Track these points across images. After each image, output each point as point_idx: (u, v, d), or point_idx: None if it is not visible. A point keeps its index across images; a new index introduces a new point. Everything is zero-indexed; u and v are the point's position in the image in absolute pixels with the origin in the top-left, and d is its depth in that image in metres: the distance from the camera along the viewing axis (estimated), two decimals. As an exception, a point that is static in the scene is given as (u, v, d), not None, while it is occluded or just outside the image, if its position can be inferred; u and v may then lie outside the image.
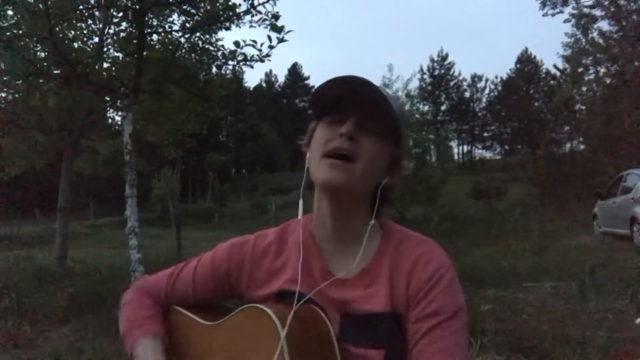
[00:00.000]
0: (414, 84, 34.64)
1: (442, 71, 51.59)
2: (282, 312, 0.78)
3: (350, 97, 0.84)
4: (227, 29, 6.25)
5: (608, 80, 17.20)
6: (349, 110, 0.84)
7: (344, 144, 0.82)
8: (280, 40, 5.47)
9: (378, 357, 0.80)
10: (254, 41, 5.72)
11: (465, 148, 54.47)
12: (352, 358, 0.81)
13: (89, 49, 6.91)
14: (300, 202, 0.93)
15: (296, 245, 0.92)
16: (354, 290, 0.86)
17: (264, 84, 63.21)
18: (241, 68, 6.64)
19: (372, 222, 0.88)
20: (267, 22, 5.50)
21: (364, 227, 0.88)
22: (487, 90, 52.91)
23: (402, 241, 0.89)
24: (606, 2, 15.86)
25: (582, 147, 21.28)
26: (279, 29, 5.42)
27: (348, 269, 0.87)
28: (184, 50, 6.67)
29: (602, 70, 17.56)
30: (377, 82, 0.91)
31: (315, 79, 62.02)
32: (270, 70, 63.33)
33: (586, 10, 16.52)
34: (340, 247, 0.89)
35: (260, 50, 5.76)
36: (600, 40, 16.58)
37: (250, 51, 5.97)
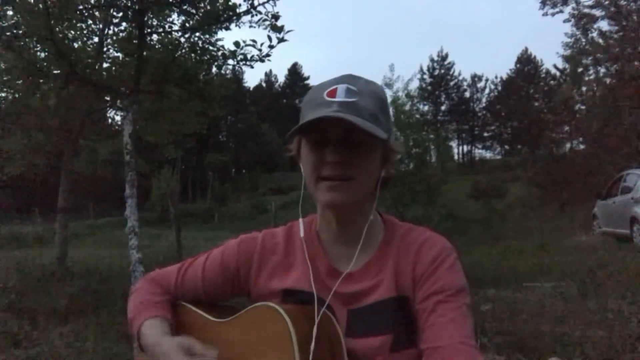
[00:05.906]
0: (414, 84, 34.66)
1: (442, 71, 51.58)
2: (292, 312, 0.79)
3: (328, 119, 0.80)
4: (227, 29, 6.24)
5: (608, 80, 17.17)
6: (328, 132, 0.83)
7: (334, 172, 0.83)
8: (280, 40, 5.48)
9: (386, 343, 0.82)
10: (254, 41, 5.72)
11: (465, 148, 54.53)
12: (361, 349, 0.82)
13: (89, 49, 6.90)
14: (300, 220, 0.96)
15: (302, 246, 0.94)
16: (360, 282, 0.88)
17: (264, 84, 63.24)
18: (241, 68, 6.63)
19: (372, 218, 0.91)
20: (267, 22, 5.50)
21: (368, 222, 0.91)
22: (487, 90, 53.04)
23: (408, 232, 0.92)
24: (606, 2, 15.83)
25: (582, 147, 21.23)
26: (279, 29, 5.42)
27: (352, 263, 0.89)
28: (184, 50, 6.66)
29: (602, 70, 17.54)
30: (377, 82, 0.92)
31: (315, 79, 62.05)
32: (270, 70, 63.44)
33: (586, 10, 16.49)
34: (345, 247, 0.91)
35: (260, 50, 5.76)
36: (600, 40, 16.55)
37: (250, 51, 5.98)
